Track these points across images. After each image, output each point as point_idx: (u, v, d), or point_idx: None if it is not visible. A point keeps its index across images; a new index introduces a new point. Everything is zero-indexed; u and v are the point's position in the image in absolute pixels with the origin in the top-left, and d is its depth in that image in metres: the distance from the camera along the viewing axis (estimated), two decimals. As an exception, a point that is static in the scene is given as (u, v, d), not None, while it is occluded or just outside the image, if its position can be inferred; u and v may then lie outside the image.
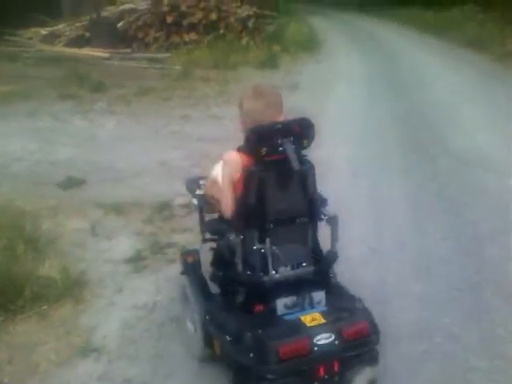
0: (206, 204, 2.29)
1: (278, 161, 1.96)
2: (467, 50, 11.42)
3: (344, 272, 2.98)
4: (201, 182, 2.43)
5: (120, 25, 11.16)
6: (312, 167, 2.07)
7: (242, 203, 2.01)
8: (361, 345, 1.94)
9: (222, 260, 2.20)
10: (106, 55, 10.15)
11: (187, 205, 3.59)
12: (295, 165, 1.93)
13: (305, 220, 2.07)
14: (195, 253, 2.51)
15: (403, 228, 3.59)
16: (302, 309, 2.00)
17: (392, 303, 2.71)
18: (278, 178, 1.99)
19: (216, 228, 2.22)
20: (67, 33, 11.64)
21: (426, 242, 3.39)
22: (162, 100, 7.41)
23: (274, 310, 1.99)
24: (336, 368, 1.89)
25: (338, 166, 4.76)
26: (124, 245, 3.31)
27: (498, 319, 2.60)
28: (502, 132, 5.66)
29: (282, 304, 1.99)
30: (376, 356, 1.99)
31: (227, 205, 2.06)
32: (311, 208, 2.08)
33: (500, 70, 9.40)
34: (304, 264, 2.07)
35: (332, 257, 2.13)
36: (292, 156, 1.93)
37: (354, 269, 3.07)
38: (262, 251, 1.97)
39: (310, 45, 12.16)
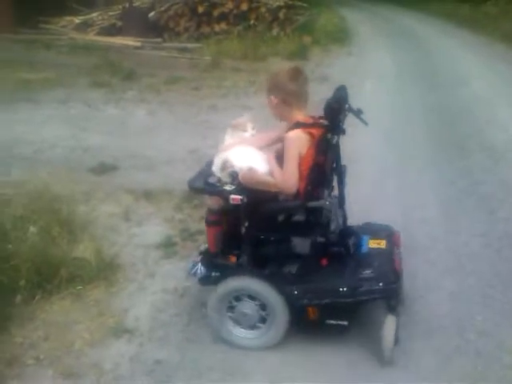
0: (254, 192, 2.21)
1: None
2: (501, 46, 11.12)
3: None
4: (211, 180, 2.31)
5: (152, 14, 11.25)
6: None
7: (318, 171, 2.19)
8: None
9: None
10: (138, 44, 10.25)
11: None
12: (365, 122, 2.38)
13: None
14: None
15: (435, 223, 3.55)
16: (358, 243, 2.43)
17: (424, 299, 2.70)
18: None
19: (286, 207, 2.24)
20: (100, 22, 11.80)
21: (458, 239, 3.34)
22: (192, 89, 7.46)
23: (349, 250, 2.35)
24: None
25: (369, 163, 4.72)
26: (155, 231, 3.37)
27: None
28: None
29: (351, 244, 2.38)
30: None
31: (295, 181, 2.15)
32: (339, 161, 2.39)
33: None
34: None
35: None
36: (360, 116, 2.37)
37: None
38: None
39: (341, 36, 12.04)
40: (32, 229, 2.77)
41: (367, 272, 2.20)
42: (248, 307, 2.29)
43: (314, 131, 2.17)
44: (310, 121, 2.22)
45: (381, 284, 2.17)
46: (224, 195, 2.22)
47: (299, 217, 2.23)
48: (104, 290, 2.71)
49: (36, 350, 2.29)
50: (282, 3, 11.44)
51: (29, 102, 6.44)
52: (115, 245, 3.16)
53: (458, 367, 2.23)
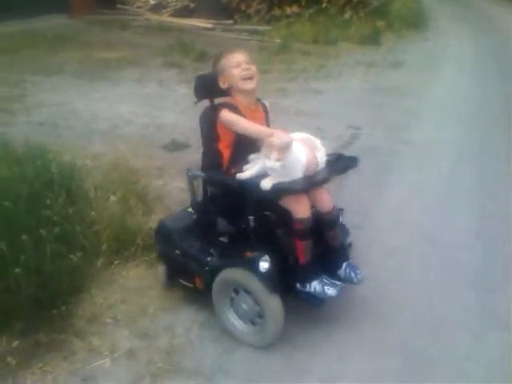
0: None
1: None
2: None
3: (446, 257, 2.94)
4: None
5: (224, -4, 11.37)
6: None
7: None
8: None
9: None
10: (209, 26, 10.41)
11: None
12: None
13: None
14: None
15: (508, 217, 3.41)
16: None
17: (496, 291, 2.63)
18: None
19: None
20: (174, 3, 12.08)
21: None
22: (261, 72, 7.43)
23: None
24: None
25: (440, 151, 4.60)
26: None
27: None
28: None
29: None
30: None
31: None
32: None
33: None
34: None
35: None
36: None
37: (454, 253, 3.00)
38: None
39: (417, 21, 11.60)
40: (113, 198, 2.93)
41: None
42: None
43: None
44: None
45: None
46: None
47: None
48: (176, 259, 2.83)
49: (114, 311, 2.45)
50: (355, -14, 11.19)
51: (106, 80, 6.74)
52: (186, 219, 3.27)
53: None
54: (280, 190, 2.08)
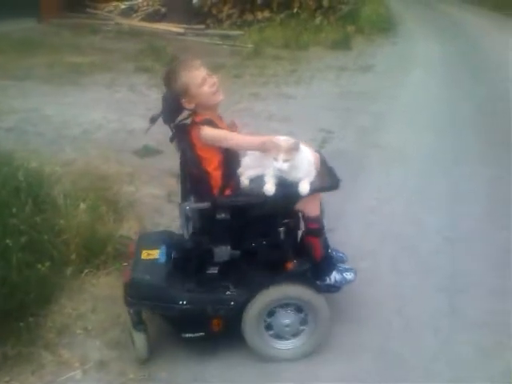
0: None
1: None
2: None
3: (416, 259, 2.98)
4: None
5: (195, 1, 11.34)
6: None
7: None
8: None
9: None
10: (181, 30, 10.35)
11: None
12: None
13: None
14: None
15: (480, 219, 3.49)
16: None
17: (465, 294, 2.69)
18: None
19: None
20: (144, 7, 11.98)
21: (505, 236, 3.26)
22: (233, 77, 7.49)
23: None
24: None
25: (410, 154, 4.68)
26: (197, 213, 3.42)
27: None
28: None
29: None
30: None
31: None
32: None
33: None
34: None
35: None
36: None
37: (424, 255, 3.05)
38: None
39: (386, 26, 11.83)
40: (82, 205, 2.87)
41: None
42: None
43: None
44: None
45: None
46: None
47: None
48: (148, 267, 2.79)
49: (84, 321, 2.40)
50: (326, -9, 11.32)
51: (76, 85, 6.63)
52: (159, 226, 3.23)
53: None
54: (318, 191, 2.10)
